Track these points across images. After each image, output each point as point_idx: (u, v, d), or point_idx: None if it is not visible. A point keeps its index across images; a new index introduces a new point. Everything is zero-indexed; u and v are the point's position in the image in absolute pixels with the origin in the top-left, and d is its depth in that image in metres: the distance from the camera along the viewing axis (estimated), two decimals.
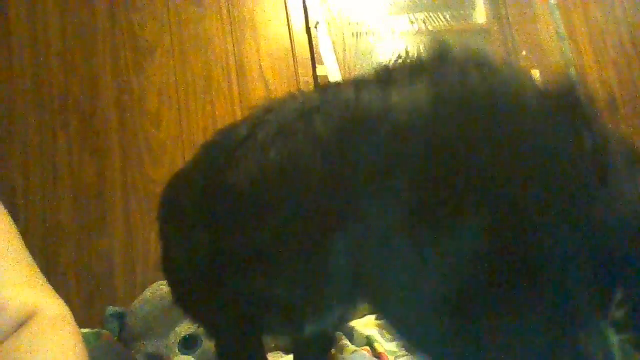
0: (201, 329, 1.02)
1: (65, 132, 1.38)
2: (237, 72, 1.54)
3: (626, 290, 0.49)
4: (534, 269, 0.45)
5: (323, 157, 0.53)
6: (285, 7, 1.63)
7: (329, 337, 0.84)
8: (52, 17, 1.44)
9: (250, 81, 1.55)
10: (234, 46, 1.56)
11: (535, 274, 0.44)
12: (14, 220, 0.57)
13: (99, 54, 1.45)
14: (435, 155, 0.48)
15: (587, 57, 1.93)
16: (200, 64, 1.52)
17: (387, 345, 0.97)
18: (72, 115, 1.40)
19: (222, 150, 0.66)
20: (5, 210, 0.57)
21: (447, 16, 1.94)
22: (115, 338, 1.02)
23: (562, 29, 1.92)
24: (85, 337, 0.82)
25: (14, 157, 1.34)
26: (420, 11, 1.91)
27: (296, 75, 1.59)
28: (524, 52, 1.95)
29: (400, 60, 0.60)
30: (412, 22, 1.88)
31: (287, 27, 1.62)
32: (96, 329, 0.96)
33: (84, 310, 1.24)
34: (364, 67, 1.79)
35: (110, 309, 1.09)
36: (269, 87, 1.56)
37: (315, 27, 1.64)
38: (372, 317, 1.06)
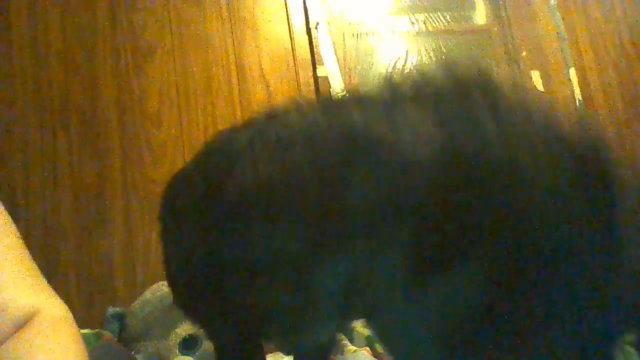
0: (201, 330, 1.02)
1: (65, 133, 1.38)
2: (237, 72, 1.54)
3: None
4: (540, 319, 0.44)
5: (321, 179, 0.52)
6: (286, 7, 1.63)
7: (330, 338, 0.84)
8: (52, 17, 1.44)
9: (250, 82, 1.55)
10: (234, 47, 1.56)
11: (539, 323, 0.44)
12: (15, 221, 0.57)
13: (99, 54, 1.45)
14: (446, 194, 0.45)
15: (588, 58, 1.93)
16: (200, 65, 1.52)
17: None
18: (73, 116, 1.40)
19: (222, 157, 0.65)
20: (6, 210, 0.57)
21: (448, 17, 1.94)
22: (116, 339, 1.02)
23: (562, 30, 1.93)
24: (85, 337, 0.82)
25: (15, 158, 1.34)
26: (421, 12, 1.91)
27: (296, 75, 1.59)
28: (524, 53, 1.96)
29: (408, 77, 0.57)
30: (412, 23, 1.89)
31: (287, 27, 1.62)
32: (96, 330, 0.96)
33: (84, 311, 1.24)
34: (364, 67, 1.79)
35: (111, 309, 1.09)
36: (269, 88, 1.56)
37: (316, 28, 1.64)
38: None
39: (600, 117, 1.89)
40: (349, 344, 0.97)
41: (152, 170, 1.41)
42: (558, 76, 1.92)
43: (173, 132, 1.45)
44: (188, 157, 1.44)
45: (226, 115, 1.50)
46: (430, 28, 1.90)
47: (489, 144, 0.46)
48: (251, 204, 0.56)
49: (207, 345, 1.01)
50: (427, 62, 1.87)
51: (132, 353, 1.00)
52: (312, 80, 1.60)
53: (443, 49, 1.91)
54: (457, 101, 0.51)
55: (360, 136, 0.52)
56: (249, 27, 1.59)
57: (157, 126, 1.44)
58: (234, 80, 1.53)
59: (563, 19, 1.93)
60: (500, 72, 1.99)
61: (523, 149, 0.46)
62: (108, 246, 1.33)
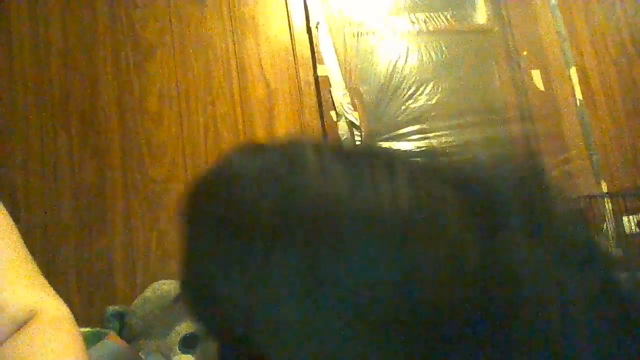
0: (201, 329, 1.02)
1: (65, 132, 1.38)
2: (237, 71, 1.54)
3: None
4: None
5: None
6: (286, 7, 1.63)
7: None
8: (53, 16, 1.44)
9: (250, 81, 1.55)
10: (234, 46, 1.56)
11: None
12: (15, 220, 0.57)
13: (99, 54, 1.45)
14: None
15: (588, 57, 1.93)
16: (201, 64, 1.52)
17: None
18: (73, 115, 1.40)
19: (238, 178, 0.64)
20: (6, 210, 0.57)
21: (448, 16, 1.94)
22: (115, 336, 1.02)
23: (563, 29, 1.92)
24: (85, 336, 0.82)
25: (15, 157, 1.34)
26: (421, 11, 1.91)
27: (297, 75, 1.59)
28: (524, 53, 1.96)
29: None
30: (412, 23, 1.89)
31: (287, 27, 1.62)
32: (97, 329, 0.96)
33: (84, 310, 1.24)
34: (365, 67, 1.79)
35: (111, 308, 1.09)
36: (270, 87, 1.56)
37: (316, 27, 1.64)
38: None
39: (601, 117, 1.89)
40: None
41: (152, 170, 1.41)
42: (559, 75, 1.92)
43: (173, 131, 1.45)
44: (188, 157, 1.45)
45: (227, 114, 1.50)
46: (430, 27, 1.90)
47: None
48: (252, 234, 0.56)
49: (207, 344, 1.02)
50: (427, 62, 1.87)
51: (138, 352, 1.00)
52: (312, 80, 1.60)
53: (444, 48, 1.91)
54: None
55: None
56: (250, 26, 1.59)
57: (157, 125, 1.45)
58: (235, 79, 1.53)
59: (564, 18, 1.93)
60: (501, 72, 1.99)
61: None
62: (108, 245, 1.33)
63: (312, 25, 1.63)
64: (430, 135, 1.79)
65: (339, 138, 1.58)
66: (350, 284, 0.46)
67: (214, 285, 0.62)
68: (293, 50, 1.61)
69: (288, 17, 1.63)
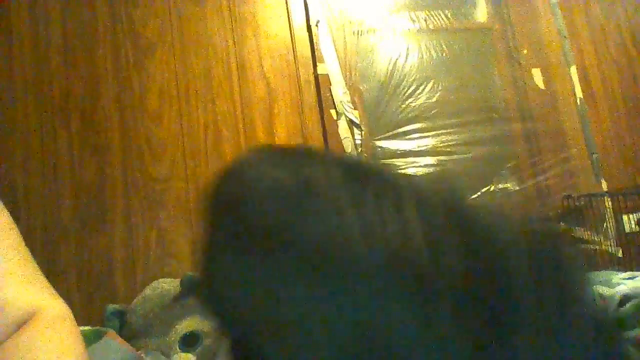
0: (201, 327, 1.03)
1: (66, 130, 1.39)
2: (237, 70, 1.54)
3: None
4: None
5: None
6: (286, 5, 1.63)
7: None
8: (53, 14, 1.44)
9: (250, 79, 1.55)
10: (235, 44, 1.56)
11: None
12: (15, 219, 0.57)
13: (100, 52, 1.45)
14: None
15: (589, 55, 1.93)
16: (201, 62, 1.52)
17: None
18: (73, 113, 1.40)
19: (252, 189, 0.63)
20: (6, 209, 0.57)
21: (449, 15, 1.93)
22: (116, 334, 1.02)
23: (563, 28, 1.92)
24: (85, 335, 0.82)
25: (15, 156, 1.34)
26: (422, 10, 1.90)
27: (297, 73, 1.59)
28: (525, 51, 1.95)
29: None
30: (413, 21, 1.88)
31: (288, 25, 1.62)
32: (97, 327, 0.97)
33: (85, 309, 1.25)
34: (365, 65, 1.79)
35: (111, 307, 1.09)
36: (270, 86, 1.56)
37: (316, 26, 1.64)
38: None
39: (601, 115, 1.89)
40: None
41: (152, 168, 1.41)
42: (559, 74, 1.91)
43: (173, 129, 1.45)
44: (188, 155, 1.45)
45: (227, 113, 1.50)
46: (431, 26, 1.90)
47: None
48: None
49: (208, 342, 1.02)
50: (427, 60, 1.87)
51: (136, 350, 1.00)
52: (312, 78, 1.60)
53: (444, 47, 1.91)
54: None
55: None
56: (250, 24, 1.59)
57: (157, 123, 1.45)
58: (235, 77, 1.53)
59: (564, 17, 1.93)
60: (502, 70, 1.99)
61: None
62: (108, 243, 1.34)
63: (312, 23, 1.63)
64: (431, 133, 1.79)
65: (339, 137, 1.58)
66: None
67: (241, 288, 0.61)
68: (293, 48, 1.61)
69: (288, 15, 1.63)
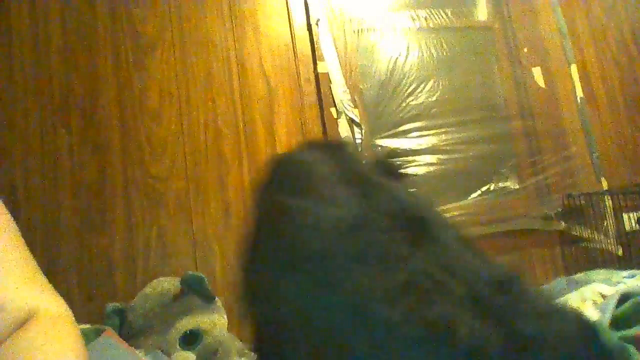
0: (202, 325, 1.03)
1: (66, 129, 1.39)
2: (238, 68, 1.54)
3: None
4: None
5: None
6: (287, 3, 1.63)
7: None
8: (53, 13, 1.44)
9: (251, 78, 1.55)
10: (235, 42, 1.56)
11: None
12: (15, 218, 0.57)
13: (99, 50, 1.45)
14: None
15: (589, 54, 1.92)
16: (201, 60, 1.52)
17: None
18: (73, 112, 1.40)
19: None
20: (6, 208, 0.57)
21: (449, 13, 1.93)
22: (116, 333, 1.02)
23: (563, 26, 1.92)
24: (85, 333, 0.82)
25: (15, 155, 1.34)
26: (422, 8, 1.90)
27: (297, 71, 1.59)
28: (525, 50, 1.95)
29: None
30: (413, 20, 1.88)
31: (288, 23, 1.62)
32: (96, 325, 0.97)
33: (85, 307, 1.25)
34: (365, 64, 1.79)
35: (111, 305, 1.09)
36: (270, 84, 1.56)
37: (317, 24, 1.63)
38: None
39: (601, 114, 1.89)
40: None
41: (152, 166, 1.41)
42: (559, 73, 1.91)
43: (173, 128, 1.45)
44: (189, 153, 1.45)
45: (227, 111, 1.50)
46: (431, 25, 1.90)
47: None
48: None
49: (208, 341, 1.02)
50: (427, 59, 1.87)
51: (133, 348, 1.00)
52: (312, 77, 1.60)
53: (444, 45, 1.90)
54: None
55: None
56: (250, 23, 1.59)
57: (157, 122, 1.45)
58: (235, 76, 1.53)
59: (564, 15, 1.92)
60: (502, 69, 1.98)
61: None
62: (108, 242, 1.34)
63: (313, 22, 1.63)
64: (431, 132, 1.79)
65: (339, 135, 1.58)
66: None
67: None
68: (293, 47, 1.61)
69: (288, 14, 1.63)
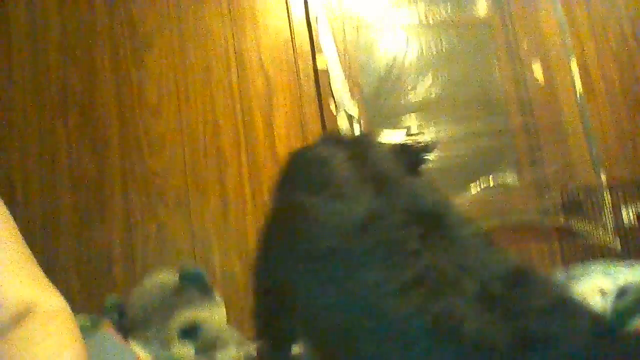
0: (200, 318, 1.03)
1: (64, 125, 1.39)
2: (236, 64, 1.54)
3: None
4: None
5: None
6: (286, 1, 1.63)
7: None
8: (51, 10, 1.44)
9: (249, 73, 1.54)
10: (233, 38, 1.56)
11: None
12: (13, 213, 0.57)
13: (98, 47, 1.45)
14: None
15: (589, 49, 1.92)
16: (199, 56, 1.52)
17: None
18: (71, 108, 1.40)
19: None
20: (3, 203, 0.57)
21: (448, 9, 1.93)
22: (115, 328, 1.03)
23: (563, 21, 1.92)
24: (82, 325, 0.82)
25: (13, 151, 1.34)
26: (421, 4, 1.90)
27: (296, 67, 1.59)
28: (525, 45, 1.95)
29: None
30: (412, 15, 1.88)
31: (287, 19, 1.62)
32: (93, 315, 0.97)
33: (84, 301, 1.25)
34: (364, 60, 1.79)
35: (110, 299, 1.09)
36: (269, 80, 1.56)
37: (316, 20, 1.63)
38: None
39: (601, 109, 1.89)
40: None
41: (151, 162, 1.41)
42: (559, 67, 1.91)
43: (172, 123, 1.45)
44: (187, 149, 1.45)
45: (226, 106, 1.50)
46: (430, 20, 1.89)
47: None
48: None
49: (206, 333, 1.02)
50: (427, 54, 1.86)
51: (132, 342, 1.01)
52: (312, 72, 1.60)
53: (443, 41, 1.90)
54: None
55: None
56: (249, 19, 1.59)
57: (156, 118, 1.45)
58: (234, 72, 1.53)
59: (564, 10, 1.92)
60: (501, 64, 1.98)
61: None
62: (107, 237, 1.34)
63: (312, 17, 1.63)
64: (430, 127, 1.79)
65: (338, 130, 1.58)
66: None
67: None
68: (292, 43, 1.60)
69: (287, 9, 1.62)
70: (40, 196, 1.32)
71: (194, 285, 1.06)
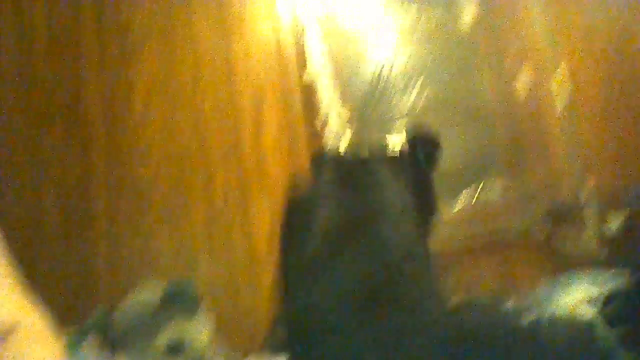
0: (186, 333, 1.01)
1: (50, 132, 1.37)
2: (224, 73, 1.54)
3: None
4: None
5: None
6: (275, 8, 1.63)
7: None
8: (38, 14, 1.42)
9: (238, 82, 1.54)
10: (222, 47, 1.55)
11: None
12: None
13: (85, 52, 1.44)
14: None
15: (574, 58, 1.95)
16: (187, 65, 1.51)
17: None
18: (58, 114, 1.39)
19: None
20: None
21: (435, 19, 1.95)
22: (99, 343, 1.01)
23: (549, 33, 1.95)
24: (68, 342, 0.81)
25: None
26: (409, 15, 1.92)
27: (284, 76, 1.59)
28: (509, 57, 1.98)
29: None
30: (400, 26, 1.90)
31: (276, 28, 1.62)
32: (79, 333, 0.95)
33: (67, 315, 1.22)
34: (352, 70, 1.80)
35: (95, 312, 1.08)
36: (257, 89, 1.55)
37: (304, 29, 1.64)
38: None
39: (586, 117, 1.92)
40: None
41: (137, 171, 1.40)
42: (543, 79, 1.94)
43: (159, 132, 1.44)
44: (175, 157, 1.44)
45: (213, 115, 1.50)
46: (417, 32, 1.92)
47: None
48: None
49: (193, 349, 1.01)
50: (414, 65, 1.88)
51: (117, 357, 0.99)
52: (299, 82, 1.60)
53: (431, 51, 1.92)
54: None
55: None
56: (238, 27, 1.59)
57: (143, 126, 1.43)
58: (222, 81, 1.53)
59: (548, 24, 1.96)
60: (488, 73, 2.01)
61: None
62: (92, 247, 1.32)
63: (300, 26, 1.64)
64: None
65: (326, 140, 1.58)
66: None
67: None
68: (281, 51, 1.61)
69: (276, 19, 1.63)
70: (24, 205, 1.30)
71: (181, 298, 1.05)
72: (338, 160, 0.79)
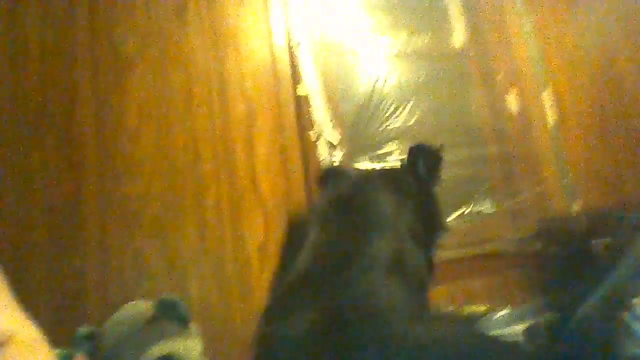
0: (176, 351, 1.01)
1: (41, 148, 1.36)
2: (218, 89, 1.54)
3: None
4: None
5: None
6: (268, 25, 1.65)
7: None
8: (31, 29, 1.42)
9: (231, 98, 1.55)
10: (215, 63, 1.56)
11: None
12: None
13: (78, 68, 1.44)
14: None
15: (561, 80, 1.99)
16: (181, 80, 1.51)
17: None
18: (49, 131, 1.38)
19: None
20: None
21: (426, 39, 1.98)
22: (88, 359, 1.00)
23: (536, 54, 1.99)
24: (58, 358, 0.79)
25: None
26: (401, 33, 1.95)
27: (277, 93, 1.60)
28: (499, 76, 2.01)
29: None
30: (392, 44, 1.93)
31: (269, 45, 1.64)
32: (66, 350, 0.94)
33: (55, 331, 1.21)
34: (345, 87, 1.82)
35: (82, 330, 1.06)
36: (250, 105, 1.56)
37: (297, 46, 1.66)
38: None
39: (573, 138, 1.95)
40: None
41: (128, 187, 1.39)
42: (532, 98, 1.97)
43: (151, 148, 1.44)
44: (166, 174, 1.43)
45: (206, 132, 1.50)
46: (409, 50, 1.94)
47: None
48: None
49: None
50: (405, 83, 1.90)
51: None
52: (292, 98, 1.61)
53: (422, 70, 1.95)
54: None
55: None
56: (231, 43, 1.60)
57: (135, 142, 1.43)
58: (215, 96, 1.53)
59: (538, 43, 2.00)
60: (477, 94, 2.04)
61: None
62: (81, 263, 1.30)
63: (294, 44, 1.65)
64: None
65: (318, 157, 1.58)
66: None
67: None
68: (274, 69, 1.62)
69: (270, 36, 1.64)
70: (13, 220, 1.29)
71: (170, 315, 1.04)
72: (343, 176, 0.79)
